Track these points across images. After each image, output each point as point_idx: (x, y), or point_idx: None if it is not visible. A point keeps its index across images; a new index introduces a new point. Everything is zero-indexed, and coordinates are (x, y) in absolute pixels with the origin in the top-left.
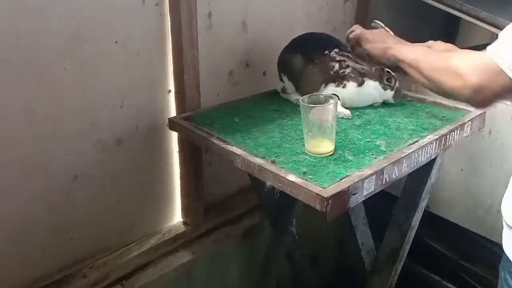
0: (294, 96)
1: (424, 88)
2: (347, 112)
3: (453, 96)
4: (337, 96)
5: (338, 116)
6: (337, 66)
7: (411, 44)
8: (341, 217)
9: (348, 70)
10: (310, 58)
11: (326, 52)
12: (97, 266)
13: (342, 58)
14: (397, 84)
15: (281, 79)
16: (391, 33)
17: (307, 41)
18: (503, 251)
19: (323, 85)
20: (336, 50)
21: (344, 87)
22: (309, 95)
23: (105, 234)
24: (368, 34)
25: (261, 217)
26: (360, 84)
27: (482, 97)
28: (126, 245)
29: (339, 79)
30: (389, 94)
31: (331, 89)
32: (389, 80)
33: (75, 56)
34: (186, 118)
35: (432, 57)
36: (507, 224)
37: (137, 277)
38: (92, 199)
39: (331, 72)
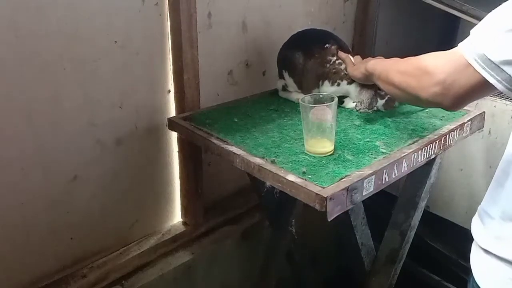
0: (295, 95)
1: None
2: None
3: (423, 99)
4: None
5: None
6: (333, 59)
7: (385, 59)
8: (341, 217)
9: (343, 66)
10: (310, 53)
11: (327, 45)
12: (96, 266)
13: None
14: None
15: (282, 77)
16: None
17: (307, 36)
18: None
19: (321, 81)
20: (334, 44)
21: (338, 85)
22: (309, 94)
23: (104, 234)
24: (353, 58)
25: (261, 217)
26: (350, 82)
27: (453, 94)
28: (125, 245)
29: (333, 75)
30: (379, 103)
31: (326, 87)
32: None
33: (74, 56)
34: (186, 118)
35: (401, 63)
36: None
37: (136, 277)
38: (91, 199)
39: (328, 65)
